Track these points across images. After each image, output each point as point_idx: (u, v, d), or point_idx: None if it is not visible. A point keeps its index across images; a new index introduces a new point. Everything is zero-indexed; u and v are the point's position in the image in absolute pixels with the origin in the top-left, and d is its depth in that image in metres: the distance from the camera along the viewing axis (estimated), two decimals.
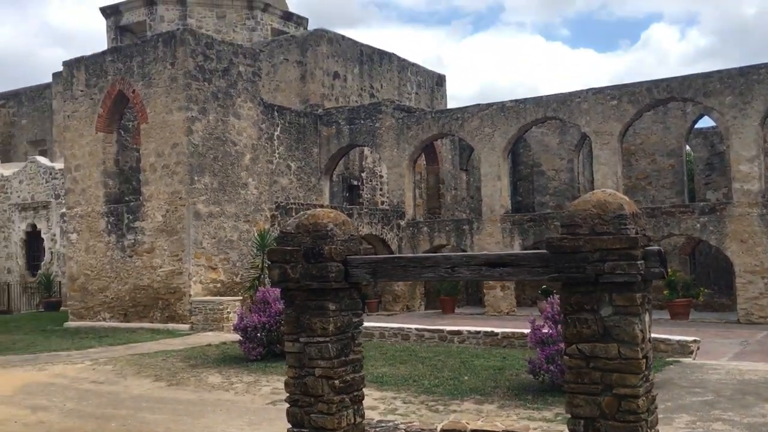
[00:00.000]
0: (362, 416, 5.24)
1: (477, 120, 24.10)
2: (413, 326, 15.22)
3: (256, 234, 19.17)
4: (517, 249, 22.92)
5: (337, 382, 4.90)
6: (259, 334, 12.87)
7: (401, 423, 6.23)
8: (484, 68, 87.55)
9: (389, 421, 6.32)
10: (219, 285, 18.54)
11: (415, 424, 6.22)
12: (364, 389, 5.27)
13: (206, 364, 12.58)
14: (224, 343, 14.99)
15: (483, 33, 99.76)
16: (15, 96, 34.70)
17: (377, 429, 5.85)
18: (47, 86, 32.19)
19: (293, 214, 21.45)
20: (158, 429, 8.26)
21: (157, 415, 8.95)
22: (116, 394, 10.38)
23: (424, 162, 28.07)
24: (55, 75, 29.33)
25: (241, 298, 18.13)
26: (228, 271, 18.83)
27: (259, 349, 12.82)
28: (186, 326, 17.43)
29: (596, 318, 4.23)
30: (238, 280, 19.01)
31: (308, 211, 5.20)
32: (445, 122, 24.93)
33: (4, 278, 26.68)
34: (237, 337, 13.91)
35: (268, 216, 20.29)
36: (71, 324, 19.26)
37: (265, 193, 20.43)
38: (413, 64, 34.01)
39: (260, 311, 13.13)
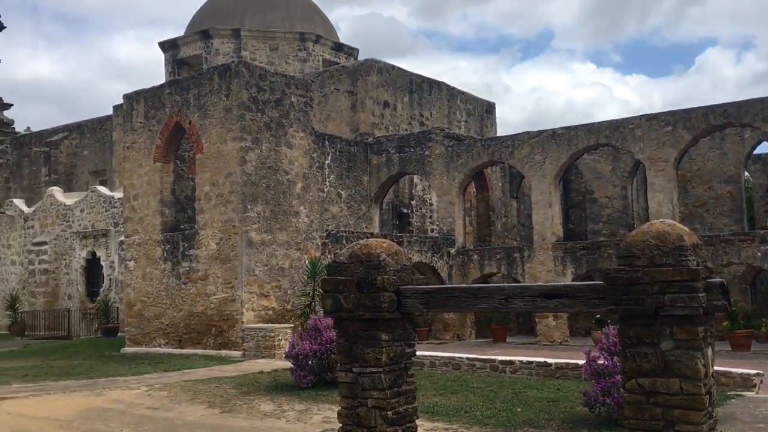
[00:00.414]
0: None
1: (527, 147, 23.95)
2: (464, 355, 15.05)
3: (307, 262, 19.32)
4: (569, 277, 22.54)
5: (389, 413, 4.88)
6: (310, 362, 12.91)
7: None
8: (533, 95, 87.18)
9: None
10: (271, 312, 18.72)
11: None
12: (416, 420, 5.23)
13: (258, 392, 12.66)
14: (276, 370, 15.07)
15: (532, 60, 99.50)
16: (78, 128, 36.07)
17: None
18: (108, 118, 33.36)
19: (344, 242, 21.58)
20: None
21: None
22: (171, 421, 10.52)
23: (474, 189, 27.97)
24: (116, 107, 30.40)
25: (292, 325, 18.24)
26: (279, 298, 19.01)
27: (310, 377, 12.86)
28: (238, 353, 17.61)
29: (656, 352, 4.13)
30: (289, 307, 19.16)
31: (361, 241, 5.24)
32: (495, 150, 24.85)
33: (65, 304, 27.49)
34: (288, 364, 13.97)
35: (319, 244, 20.46)
36: (128, 349, 19.68)
37: (316, 221, 20.64)
38: (462, 93, 34.12)
39: (312, 339, 13.18)
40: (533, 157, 23.80)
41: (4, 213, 30.71)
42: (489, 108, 35.68)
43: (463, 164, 25.22)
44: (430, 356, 15.12)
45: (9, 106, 40.00)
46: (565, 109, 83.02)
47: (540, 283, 4.84)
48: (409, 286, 5.01)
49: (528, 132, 24.45)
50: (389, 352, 4.94)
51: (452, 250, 25.23)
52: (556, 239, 23.53)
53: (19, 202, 30.84)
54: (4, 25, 39.67)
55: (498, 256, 24.69)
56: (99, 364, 17.15)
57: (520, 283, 23.65)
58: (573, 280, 21.75)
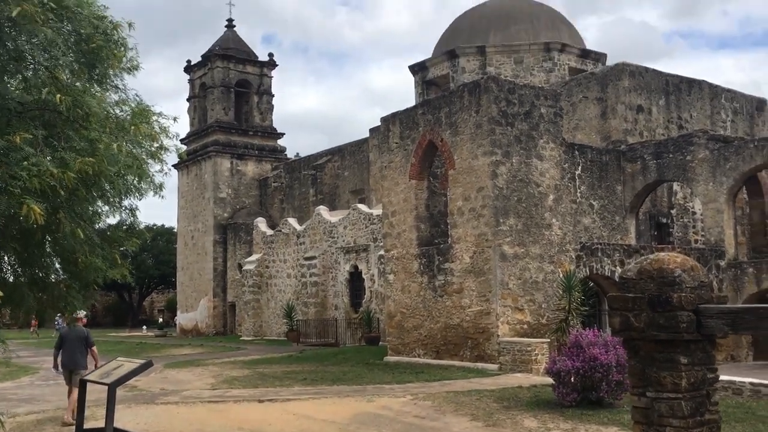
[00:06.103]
0: None
1: None
2: (746, 380, 13.59)
3: (561, 275, 18.86)
4: None
5: None
6: (572, 379, 12.54)
7: None
8: None
9: None
10: (525, 326, 18.54)
11: None
12: None
13: (519, 407, 12.58)
14: (535, 385, 14.87)
15: None
16: (339, 151, 39.17)
17: None
18: (364, 141, 35.74)
19: (599, 254, 20.72)
20: None
21: None
22: (438, 431, 10.85)
23: (746, 196, 25.24)
24: (372, 130, 32.46)
25: (548, 340, 17.90)
26: (534, 312, 18.76)
27: (573, 394, 12.49)
28: (494, 366, 17.67)
29: None
30: (543, 321, 18.82)
31: (651, 256, 4.94)
32: None
33: (332, 313, 29.86)
34: (547, 380, 13.72)
35: (573, 257, 19.86)
36: (390, 358, 20.72)
37: (569, 233, 20.07)
38: (727, 90, 31.08)
39: (573, 356, 12.79)
40: None
41: (281, 231, 34.27)
42: (760, 105, 32.03)
43: (732, 168, 22.89)
44: None
45: (282, 135, 44.71)
46: None
47: None
48: (711, 305, 4.61)
49: None
50: (689, 377, 4.58)
51: (722, 263, 22.97)
52: None
53: (292, 221, 34.24)
54: (276, 63, 44.41)
55: None
56: (366, 372, 18.29)
57: None
58: None
